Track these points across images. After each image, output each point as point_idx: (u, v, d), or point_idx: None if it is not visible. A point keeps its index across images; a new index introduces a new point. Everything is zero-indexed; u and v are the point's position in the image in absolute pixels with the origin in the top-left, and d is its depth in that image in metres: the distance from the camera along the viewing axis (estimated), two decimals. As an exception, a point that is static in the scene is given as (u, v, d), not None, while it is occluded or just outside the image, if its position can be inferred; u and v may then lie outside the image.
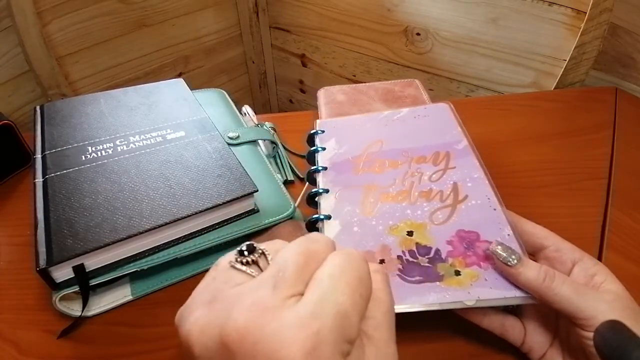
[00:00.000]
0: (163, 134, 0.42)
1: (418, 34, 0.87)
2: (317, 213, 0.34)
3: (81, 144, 0.41)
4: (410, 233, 0.31)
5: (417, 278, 0.28)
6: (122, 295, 0.34)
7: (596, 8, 0.61)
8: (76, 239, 0.31)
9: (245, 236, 0.36)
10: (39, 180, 0.37)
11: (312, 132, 0.43)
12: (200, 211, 0.34)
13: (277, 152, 0.48)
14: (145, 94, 0.49)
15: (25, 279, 0.36)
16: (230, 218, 0.36)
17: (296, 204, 0.40)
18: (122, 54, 0.91)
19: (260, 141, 0.48)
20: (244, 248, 0.20)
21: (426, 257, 0.29)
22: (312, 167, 0.39)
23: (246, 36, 1.14)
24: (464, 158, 0.35)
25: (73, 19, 0.79)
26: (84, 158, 0.39)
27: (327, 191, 0.36)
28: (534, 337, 0.28)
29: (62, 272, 0.31)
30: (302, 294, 0.18)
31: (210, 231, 0.36)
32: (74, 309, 0.32)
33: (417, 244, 0.30)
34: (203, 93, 0.54)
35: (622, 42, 0.61)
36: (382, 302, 0.20)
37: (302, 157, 0.50)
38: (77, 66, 0.83)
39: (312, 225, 0.34)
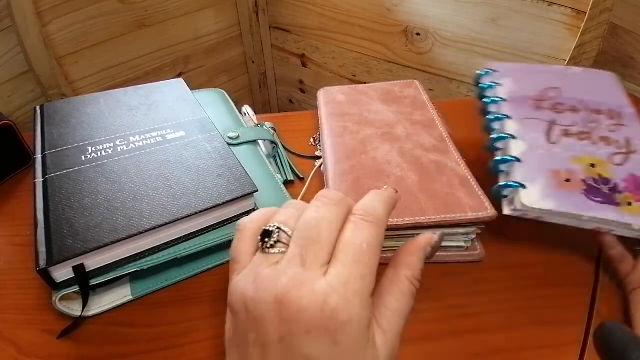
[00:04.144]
0: (163, 134, 0.42)
1: (418, 34, 0.87)
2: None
3: (81, 144, 0.41)
4: (593, 165, 0.35)
5: (600, 199, 0.33)
6: (122, 295, 0.34)
7: (596, 8, 0.61)
8: (76, 239, 0.31)
9: (245, 236, 0.36)
10: (39, 180, 0.37)
11: (480, 71, 0.45)
12: (200, 211, 0.34)
13: (277, 152, 0.48)
14: (145, 94, 0.49)
15: (25, 279, 0.36)
16: (231, 218, 0.36)
17: (296, 204, 0.40)
18: (122, 54, 0.91)
19: (260, 141, 0.48)
20: (262, 235, 0.23)
21: (607, 186, 0.34)
22: (486, 99, 0.41)
23: (246, 36, 1.14)
24: (632, 121, 0.39)
25: (73, 19, 0.79)
26: (84, 158, 0.39)
27: (508, 117, 0.39)
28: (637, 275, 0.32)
29: (62, 272, 0.31)
30: (328, 262, 0.21)
31: (210, 231, 0.36)
32: (74, 309, 0.32)
33: (599, 174, 0.34)
34: (203, 93, 0.54)
35: (622, 42, 0.61)
36: (401, 304, 0.22)
37: (302, 157, 0.50)
38: (77, 66, 0.83)
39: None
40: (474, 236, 0.36)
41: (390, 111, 0.48)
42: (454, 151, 0.41)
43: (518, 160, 0.36)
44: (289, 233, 0.22)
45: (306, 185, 0.45)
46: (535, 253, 0.38)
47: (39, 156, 0.39)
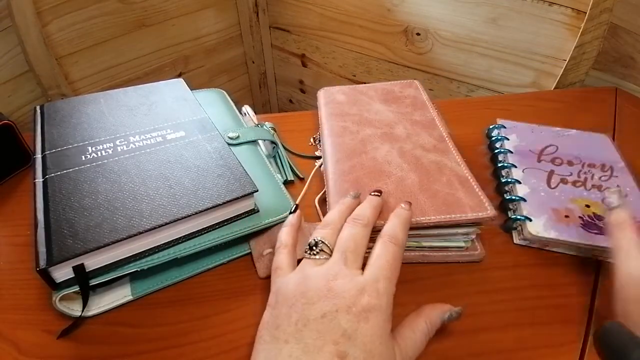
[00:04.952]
0: (163, 134, 0.42)
1: (418, 34, 0.87)
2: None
3: (81, 144, 0.41)
4: (587, 205, 0.40)
5: (596, 231, 0.37)
6: (122, 295, 0.34)
7: (596, 8, 0.61)
8: (76, 239, 0.31)
9: (245, 236, 0.37)
10: (39, 180, 0.37)
11: (492, 126, 0.51)
12: (200, 211, 0.34)
13: (277, 152, 0.48)
14: (145, 94, 0.49)
15: (25, 279, 0.36)
16: (230, 218, 0.36)
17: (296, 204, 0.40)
18: (122, 54, 0.91)
19: (260, 141, 0.48)
20: (310, 246, 0.31)
21: (601, 222, 0.38)
22: (496, 150, 0.47)
23: (246, 36, 1.14)
24: (623, 173, 0.44)
25: (73, 19, 0.79)
26: (84, 158, 0.39)
27: (514, 166, 0.44)
28: None
29: (62, 272, 0.31)
30: (361, 266, 0.29)
31: (210, 231, 0.36)
32: (74, 309, 0.32)
33: (594, 213, 0.39)
34: (203, 93, 0.54)
35: (622, 42, 0.61)
36: (415, 336, 0.29)
37: (302, 157, 0.50)
38: (77, 66, 0.83)
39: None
40: (474, 236, 0.36)
41: (390, 111, 0.48)
42: (454, 151, 0.41)
43: (524, 199, 0.40)
44: (329, 244, 0.31)
45: (306, 185, 0.45)
46: (535, 253, 0.38)
47: (39, 156, 0.39)
